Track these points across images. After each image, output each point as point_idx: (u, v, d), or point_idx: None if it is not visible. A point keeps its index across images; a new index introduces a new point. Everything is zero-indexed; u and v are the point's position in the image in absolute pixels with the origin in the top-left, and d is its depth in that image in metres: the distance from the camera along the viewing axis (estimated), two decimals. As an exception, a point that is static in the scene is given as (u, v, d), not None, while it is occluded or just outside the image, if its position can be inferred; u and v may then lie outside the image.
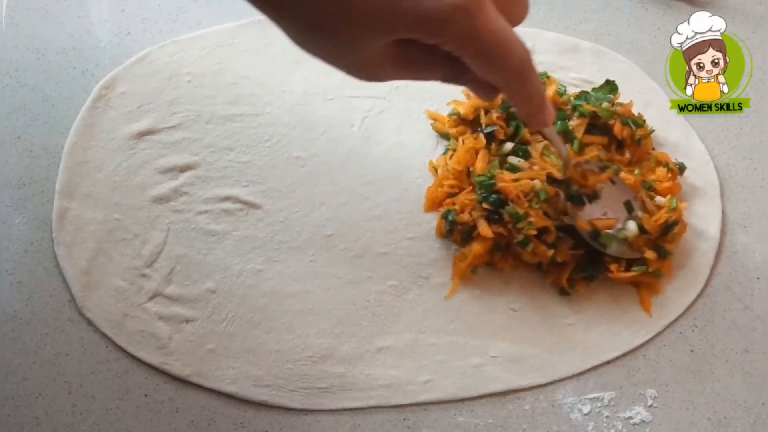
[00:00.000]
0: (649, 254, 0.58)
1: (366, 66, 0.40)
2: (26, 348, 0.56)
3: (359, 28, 0.37)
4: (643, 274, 0.58)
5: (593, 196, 0.59)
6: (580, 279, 0.58)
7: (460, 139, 0.62)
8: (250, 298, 0.58)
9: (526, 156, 0.60)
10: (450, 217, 0.59)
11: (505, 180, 0.58)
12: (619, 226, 0.58)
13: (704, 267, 0.60)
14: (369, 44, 0.38)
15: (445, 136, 0.65)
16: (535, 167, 0.59)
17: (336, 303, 0.58)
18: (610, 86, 0.64)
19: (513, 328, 0.58)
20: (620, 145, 0.62)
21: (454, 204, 0.60)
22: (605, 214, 0.58)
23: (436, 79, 0.43)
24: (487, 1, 0.37)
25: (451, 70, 0.41)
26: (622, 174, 0.60)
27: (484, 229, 0.57)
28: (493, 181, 0.58)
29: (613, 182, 0.59)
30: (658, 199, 0.60)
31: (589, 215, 0.58)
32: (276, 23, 0.39)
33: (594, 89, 0.65)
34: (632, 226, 0.58)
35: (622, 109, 0.62)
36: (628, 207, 0.59)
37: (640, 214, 0.58)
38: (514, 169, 0.59)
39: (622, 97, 0.64)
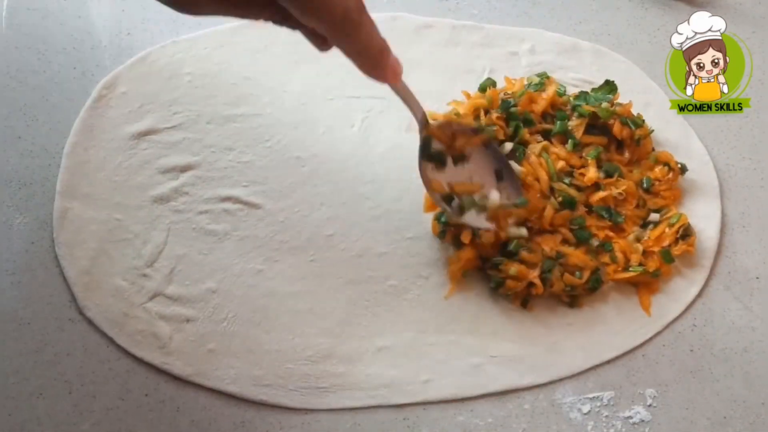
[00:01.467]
0: (654, 261, 0.58)
1: None
2: (27, 348, 0.56)
3: None
4: (643, 274, 0.58)
5: (460, 158, 0.56)
6: (583, 291, 0.58)
7: (460, 138, 0.62)
8: (250, 298, 0.58)
9: (523, 155, 0.60)
10: (443, 219, 0.59)
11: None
12: (483, 193, 0.55)
13: (704, 267, 0.60)
14: None
15: (445, 136, 0.64)
16: (529, 177, 0.59)
17: (336, 303, 0.58)
18: (609, 86, 0.64)
19: (513, 328, 0.58)
20: (620, 145, 0.62)
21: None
22: (470, 179, 0.56)
23: (263, 18, 0.41)
24: None
25: (277, 11, 0.39)
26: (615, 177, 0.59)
27: (466, 234, 0.57)
28: None
29: (486, 148, 0.56)
30: (653, 216, 0.60)
31: (451, 177, 0.55)
32: None
33: (593, 89, 0.65)
34: (494, 196, 0.55)
35: (621, 109, 0.62)
36: (498, 175, 0.56)
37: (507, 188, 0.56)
38: None
39: (622, 97, 0.64)
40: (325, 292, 0.59)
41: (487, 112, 0.62)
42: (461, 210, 0.54)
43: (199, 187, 0.62)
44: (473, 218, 0.55)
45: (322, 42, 0.43)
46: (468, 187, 0.55)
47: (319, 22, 0.38)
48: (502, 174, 0.57)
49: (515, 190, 0.57)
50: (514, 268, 0.56)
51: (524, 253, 0.56)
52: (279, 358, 0.56)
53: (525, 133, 0.61)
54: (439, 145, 0.55)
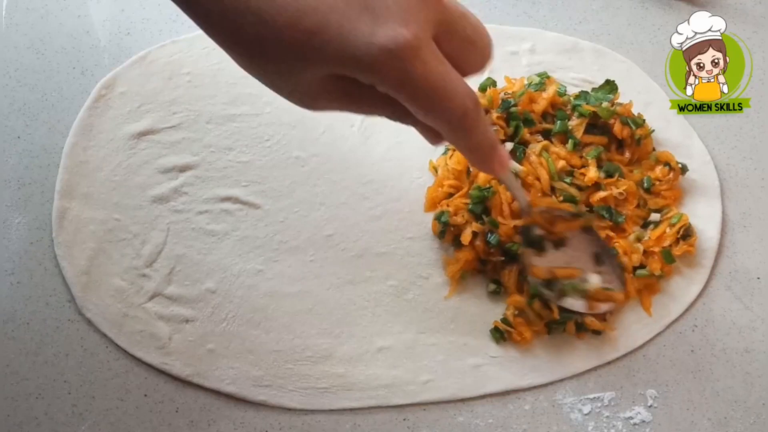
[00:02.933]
0: (655, 263, 0.58)
1: (304, 95, 0.40)
2: (26, 348, 0.56)
3: (290, 60, 0.37)
4: (647, 277, 0.58)
5: (559, 243, 0.57)
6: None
7: (460, 138, 0.62)
8: (250, 298, 0.58)
9: (524, 155, 0.60)
10: (443, 219, 0.59)
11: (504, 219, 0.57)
12: (583, 277, 0.56)
13: (704, 267, 0.60)
14: (303, 75, 0.38)
15: (445, 136, 0.64)
16: (529, 177, 0.58)
17: (336, 303, 0.58)
18: (609, 86, 0.64)
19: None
20: (620, 144, 0.62)
21: (448, 206, 0.59)
22: (569, 263, 0.56)
23: (382, 115, 0.42)
24: (426, 46, 0.36)
25: (396, 109, 0.40)
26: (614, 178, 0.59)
27: (466, 235, 0.57)
28: (486, 195, 0.57)
29: (585, 232, 0.57)
30: (654, 216, 0.60)
31: (551, 262, 0.56)
32: (219, 46, 0.39)
33: (594, 89, 0.65)
34: (594, 280, 0.56)
35: (621, 109, 0.62)
36: (598, 259, 0.57)
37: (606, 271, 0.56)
38: None
39: (622, 97, 0.64)
40: (325, 292, 0.59)
41: (487, 111, 0.62)
42: (561, 294, 0.55)
43: (199, 187, 0.62)
44: (576, 303, 0.55)
45: (435, 136, 0.44)
46: (569, 272, 0.56)
47: (437, 122, 0.39)
48: (602, 258, 0.57)
49: (615, 275, 0.57)
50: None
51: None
52: (279, 358, 0.56)
53: (525, 132, 0.61)
54: (540, 230, 0.57)
